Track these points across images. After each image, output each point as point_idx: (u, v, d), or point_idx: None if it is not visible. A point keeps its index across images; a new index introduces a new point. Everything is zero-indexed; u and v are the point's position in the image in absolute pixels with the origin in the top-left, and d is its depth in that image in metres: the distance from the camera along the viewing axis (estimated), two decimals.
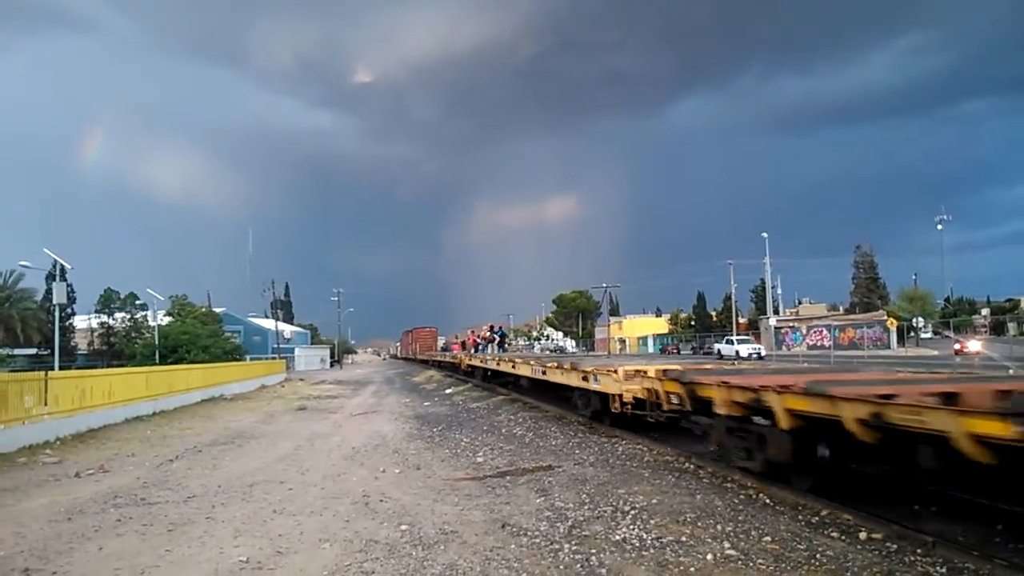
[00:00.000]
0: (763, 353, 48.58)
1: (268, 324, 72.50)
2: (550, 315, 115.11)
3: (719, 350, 51.84)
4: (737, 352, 47.18)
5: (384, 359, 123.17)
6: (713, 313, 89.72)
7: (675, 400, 9.32)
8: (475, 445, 11.79)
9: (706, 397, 8.30)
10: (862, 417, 5.67)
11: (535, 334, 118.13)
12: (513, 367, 20.07)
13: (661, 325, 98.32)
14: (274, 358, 54.17)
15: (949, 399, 5.39)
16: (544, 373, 16.15)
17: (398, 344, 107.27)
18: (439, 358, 46.17)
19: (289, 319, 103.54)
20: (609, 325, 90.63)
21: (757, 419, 7.48)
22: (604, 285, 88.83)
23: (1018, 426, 4.40)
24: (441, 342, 68.51)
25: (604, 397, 11.92)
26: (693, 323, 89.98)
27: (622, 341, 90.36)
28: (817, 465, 6.93)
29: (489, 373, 25.42)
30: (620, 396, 11.01)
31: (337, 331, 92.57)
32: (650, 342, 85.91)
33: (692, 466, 9.02)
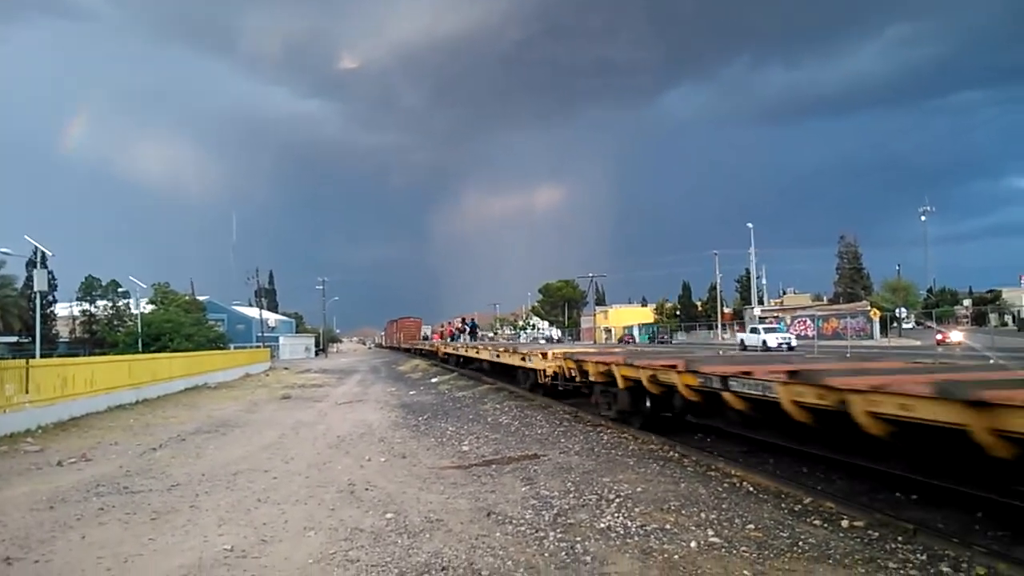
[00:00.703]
0: (794, 343, 40.84)
1: (252, 312, 71.99)
2: (536, 304, 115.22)
3: (742, 340, 44.63)
4: (764, 343, 40.35)
5: (370, 348, 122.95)
6: (698, 303, 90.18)
7: (573, 373, 12.71)
8: (461, 434, 11.80)
9: (586, 370, 11.85)
10: (649, 378, 9.18)
11: (521, 323, 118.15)
12: (477, 352, 24.40)
13: (647, 315, 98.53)
14: (258, 347, 53.87)
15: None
16: (499, 356, 20.00)
17: (383, 333, 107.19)
18: (421, 347, 49.47)
19: (274, 307, 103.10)
20: (595, 315, 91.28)
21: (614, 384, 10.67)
22: (590, 275, 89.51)
23: (700, 379, 7.93)
24: (427, 330, 68.93)
25: (535, 372, 15.29)
26: (678, 313, 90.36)
27: (608, 330, 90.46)
28: (643, 412, 10.52)
29: (461, 359, 29.07)
30: (544, 371, 14.41)
31: (322, 320, 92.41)
32: (636, 331, 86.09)
33: (676, 455, 9.08)
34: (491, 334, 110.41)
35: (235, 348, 48.50)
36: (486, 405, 16.31)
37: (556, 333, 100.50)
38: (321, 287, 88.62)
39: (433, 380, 26.25)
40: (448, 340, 39.39)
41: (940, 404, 4.72)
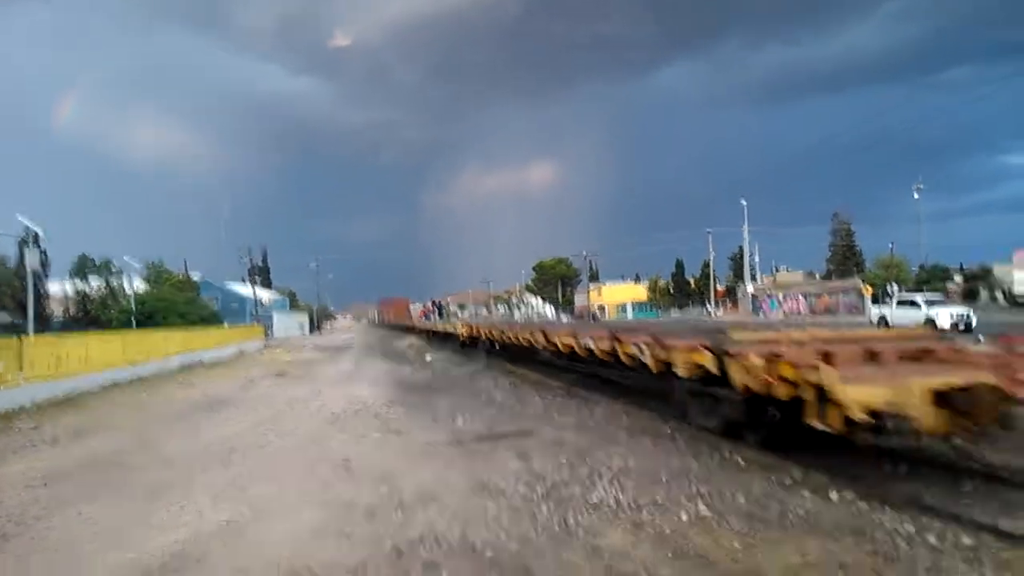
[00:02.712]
0: (974, 323, 29.04)
1: (246, 290, 71.82)
2: (530, 282, 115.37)
3: (884, 316, 32.25)
4: (932, 320, 28.94)
5: (364, 325, 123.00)
6: (691, 280, 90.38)
7: (479, 336, 21.01)
8: (455, 410, 11.82)
9: (476, 334, 18.94)
10: (563, 342, 13.05)
11: (515, 300, 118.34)
12: (440, 327, 33.91)
13: (640, 292, 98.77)
14: (252, 324, 53.86)
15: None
16: (443, 327, 32.19)
17: (377, 310, 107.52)
18: (407, 324, 55.96)
19: (267, 285, 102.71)
20: (588, 292, 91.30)
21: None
22: (584, 252, 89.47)
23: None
24: (419, 308, 70.76)
25: (454, 336, 25.91)
26: (672, 290, 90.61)
27: (601, 308, 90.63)
28: (490, 348, 17.39)
29: (431, 333, 36.65)
30: (459, 335, 24.23)
31: (316, 297, 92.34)
32: (629, 309, 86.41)
33: (669, 430, 9.14)
34: (485, 311, 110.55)
35: (229, 326, 48.48)
36: (481, 382, 16.34)
37: (550, 311, 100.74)
38: (315, 265, 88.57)
39: (427, 358, 26.28)
40: (424, 319, 49.58)
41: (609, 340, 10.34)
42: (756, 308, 60.84)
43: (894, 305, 32.69)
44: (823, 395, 5.99)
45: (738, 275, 76.42)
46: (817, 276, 79.79)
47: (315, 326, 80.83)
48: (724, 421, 8.14)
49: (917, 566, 4.41)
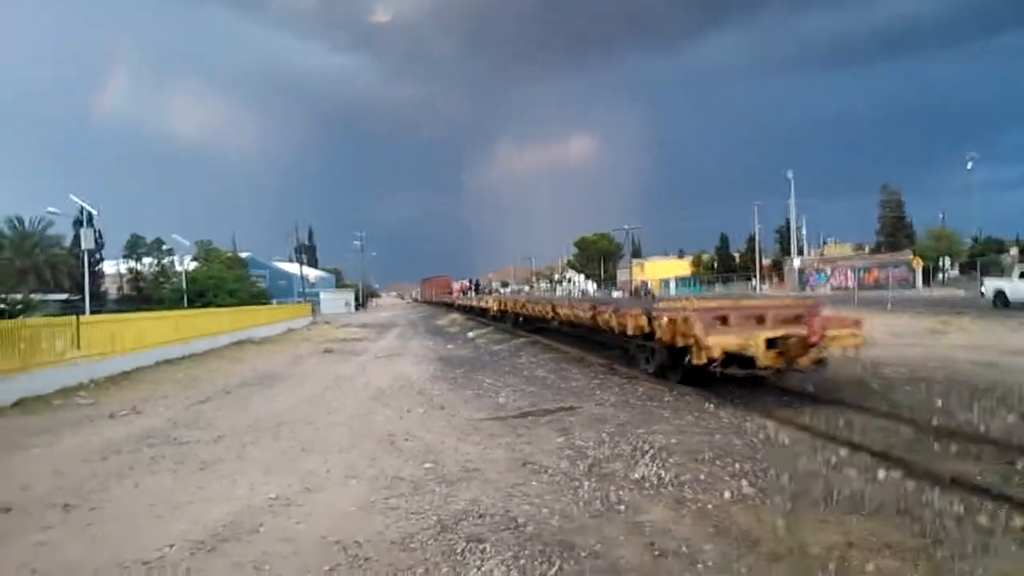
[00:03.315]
0: None
1: (293, 268, 72.96)
2: (571, 258, 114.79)
3: (1002, 290, 25.57)
4: None
5: (408, 302, 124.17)
6: (736, 255, 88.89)
7: (506, 310, 25.95)
8: (497, 386, 11.92)
9: (504, 308, 25.84)
10: (563, 313, 17.11)
11: (557, 277, 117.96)
12: (475, 302, 38.83)
13: (684, 267, 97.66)
14: (300, 302, 54.77)
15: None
16: (477, 302, 37.25)
17: (419, 288, 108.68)
18: (448, 300, 59.58)
19: (313, 263, 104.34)
20: (631, 267, 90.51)
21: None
22: (626, 227, 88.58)
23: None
24: (458, 286, 72.25)
25: (487, 311, 30.08)
26: (716, 265, 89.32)
27: (645, 283, 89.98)
28: (516, 321, 24.50)
29: (468, 308, 41.41)
30: (490, 309, 28.80)
31: (361, 275, 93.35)
32: (672, 285, 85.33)
33: (712, 406, 9.06)
34: (527, 287, 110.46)
35: (277, 303, 49.36)
36: (522, 359, 16.42)
37: (592, 287, 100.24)
38: (359, 243, 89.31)
39: (470, 334, 26.46)
40: (462, 295, 55.07)
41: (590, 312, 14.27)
42: (803, 282, 59.66)
43: (1016, 277, 26.10)
44: (698, 343, 9.34)
45: (785, 249, 74.98)
46: (867, 249, 77.88)
47: (361, 304, 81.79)
48: (658, 366, 11.49)
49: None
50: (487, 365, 15.44)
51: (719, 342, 9.11)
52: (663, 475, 5.90)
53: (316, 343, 25.33)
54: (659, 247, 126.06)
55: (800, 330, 9.14)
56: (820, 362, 9.40)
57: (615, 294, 73.35)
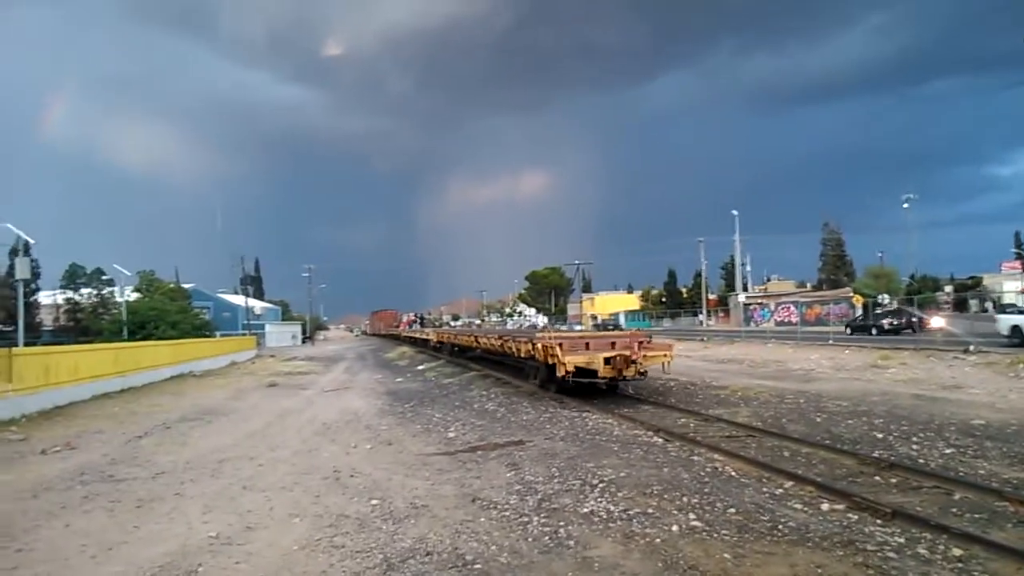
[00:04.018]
0: None
1: (238, 300, 71.46)
2: (523, 292, 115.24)
3: (1019, 326, 22.68)
4: None
5: (356, 335, 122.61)
6: (684, 290, 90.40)
7: (443, 341, 29.98)
8: (447, 420, 11.83)
9: (442, 339, 30.40)
10: (482, 341, 21.32)
11: (508, 310, 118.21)
12: (418, 334, 43.04)
13: (633, 301, 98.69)
14: (244, 334, 53.61)
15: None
16: (420, 334, 40.67)
17: (367, 322, 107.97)
18: (395, 333, 62.03)
19: (260, 295, 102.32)
20: (581, 301, 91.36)
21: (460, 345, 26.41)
22: (576, 262, 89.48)
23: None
24: (405, 319, 72.60)
25: (428, 341, 33.88)
26: (664, 299, 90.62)
27: (594, 317, 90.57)
28: (451, 351, 28.45)
29: (411, 339, 45.16)
30: (431, 340, 33.08)
31: (308, 307, 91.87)
32: (622, 318, 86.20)
33: (660, 440, 9.15)
34: (478, 321, 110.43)
35: (221, 336, 48.21)
36: (472, 392, 16.35)
37: (542, 320, 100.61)
38: (308, 275, 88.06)
39: (420, 367, 26.25)
40: (408, 328, 57.46)
41: (500, 341, 18.71)
42: (748, 317, 60.92)
43: None
44: (559, 360, 13.24)
45: (730, 285, 76.55)
46: (808, 285, 80.00)
47: (308, 337, 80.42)
48: (541, 380, 15.54)
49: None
50: (437, 399, 15.31)
51: (573, 359, 13.30)
52: (612, 509, 5.91)
53: (260, 377, 24.79)
54: (609, 282, 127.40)
55: (625, 351, 13.41)
56: (642, 374, 13.77)
57: (577, 327, 73.64)
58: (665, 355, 14.31)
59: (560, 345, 13.68)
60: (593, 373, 13.23)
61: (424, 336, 38.48)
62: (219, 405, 15.55)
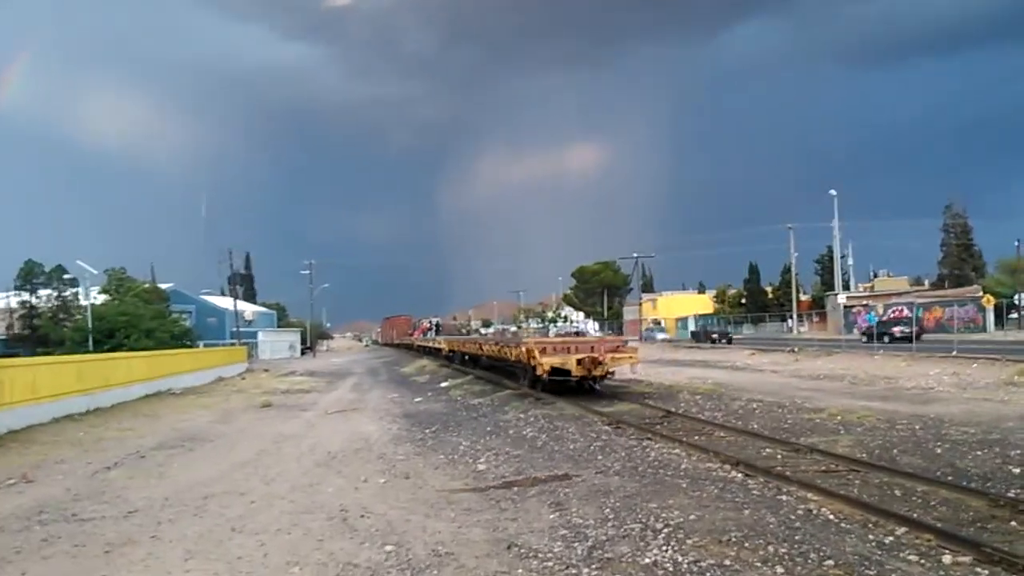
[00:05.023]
0: None
1: (225, 303, 72.61)
2: (569, 292, 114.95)
3: None
4: None
5: (366, 345, 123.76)
6: (768, 289, 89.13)
7: (455, 350, 35.36)
8: (476, 449, 11.88)
9: (453, 349, 35.81)
10: (485, 349, 27.62)
11: (551, 315, 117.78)
12: (430, 343, 48.36)
13: (705, 303, 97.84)
14: (233, 344, 54.42)
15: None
16: (432, 343, 46.98)
17: (379, 330, 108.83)
18: (408, 342, 66.29)
19: (251, 297, 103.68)
20: (641, 304, 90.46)
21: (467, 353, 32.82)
22: (635, 255, 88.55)
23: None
24: (421, 326, 73.27)
25: (440, 351, 41.08)
26: (744, 301, 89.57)
27: (657, 322, 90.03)
28: (461, 359, 33.91)
29: (424, 348, 51.30)
30: (443, 350, 39.71)
31: (309, 311, 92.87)
32: (691, 324, 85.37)
33: (740, 475, 9.07)
34: (513, 328, 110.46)
35: (205, 346, 48.99)
36: (507, 414, 16.40)
37: (593, 326, 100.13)
38: (308, 272, 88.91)
39: (443, 384, 26.42)
40: (423, 336, 60.12)
41: (498, 347, 25.44)
42: (850, 323, 59.92)
43: None
44: (537, 361, 19.00)
45: (827, 282, 75.48)
46: (927, 283, 78.57)
47: (308, 347, 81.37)
48: (529, 381, 20.62)
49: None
50: (464, 423, 15.39)
51: (549, 361, 18.88)
52: (680, 560, 5.87)
53: (252, 395, 25.16)
54: (675, 280, 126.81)
55: (593, 354, 18.82)
56: (609, 374, 20.02)
57: (659, 336, 73.25)
58: (631, 357, 20.04)
59: (539, 349, 19.56)
60: (567, 373, 18.69)
61: (436, 345, 44.39)
62: (203, 430, 15.80)
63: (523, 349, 20.45)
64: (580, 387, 19.91)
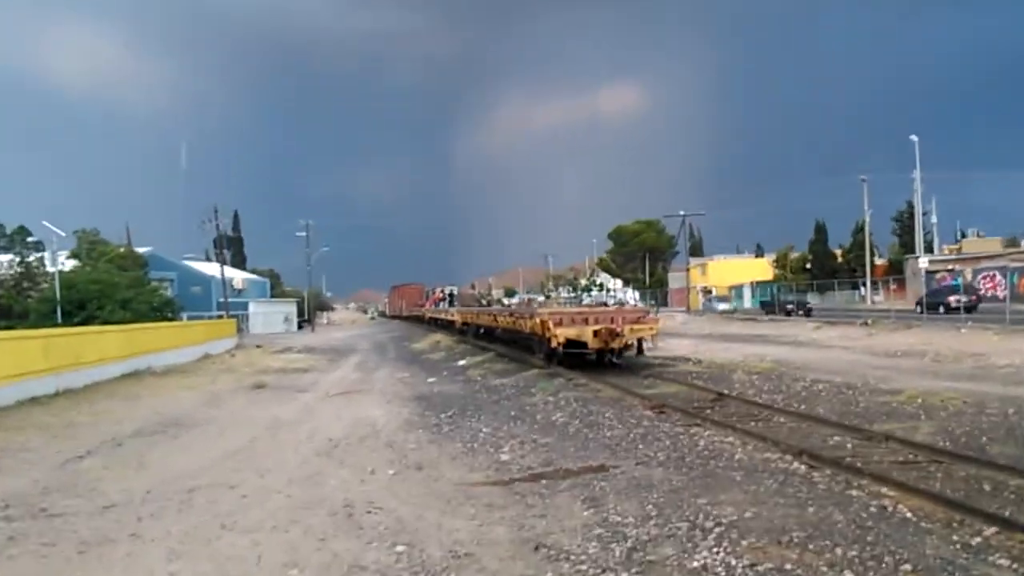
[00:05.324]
0: None
1: (212, 270, 72.99)
2: (605, 255, 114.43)
3: None
4: None
5: (372, 318, 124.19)
6: (838, 252, 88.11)
7: (468, 323, 37.75)
8: (498, 437, 11.92)
9: (467, 321, 38.12)
10: (501, 321, 29.25)
11: (584, 282, 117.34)
12: (443, 314, 50.88)
13: (763, 269, 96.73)
14: (221, 316, 54.83)
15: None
16: (446, 315, 48.89)
17: (387, 300, 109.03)
18: (419, 314, 67.66)
19: (241, 263, 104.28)
20: (688, 269, 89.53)
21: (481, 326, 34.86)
22: (682, 212, 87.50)
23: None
24: (432, 296, 73.21)
25: (453, 323, 43.27)
26: (808, 266, 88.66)
27: (707, 291, 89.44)
28: (476, 332, 35.80)
29: (436, 320, 53.80)
30: (455, 322, 41.94)
31: (307, 279, 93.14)
32: (747, 293, 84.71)
33: (803, 467, 9.06)
34: (540, 297, 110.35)
35: (189, 319, 49.33)
36: (534, 397, 16.44)
37: (633, 296, 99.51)
38: (305, 233, 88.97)
39: (460, 362, 26.53)
40: (435, 307, 61.46)
41: (512, 319, 27.39)
42: (932, 291, 59.26)
43: None
44: (552, 333, 20.68)
45: (907, 244, 74.59)
46: (1023, 244, 77.46)
47: (306, 320, 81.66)
48: (544, 354, 21.92)
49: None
50: (484, 407, 15.46)
51: (564, 332, 20.43)
52: (733, 564, 5.88)
53: (243, 374, 25.36)
54: (728, 241, 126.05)
55: (611, 325, 20.45)
56: (627, 347, 21.56)
57: (721, 306, 72.87)
58: (651, 329, 21.62)
59: (553, 320, 21.02)
60: (584, 345, 20.55)
61: (450, 318, 46.40)
62: (188, 414, 15.95)
63: (537, 320, 22.11)
64: (600, 361, 21.79)
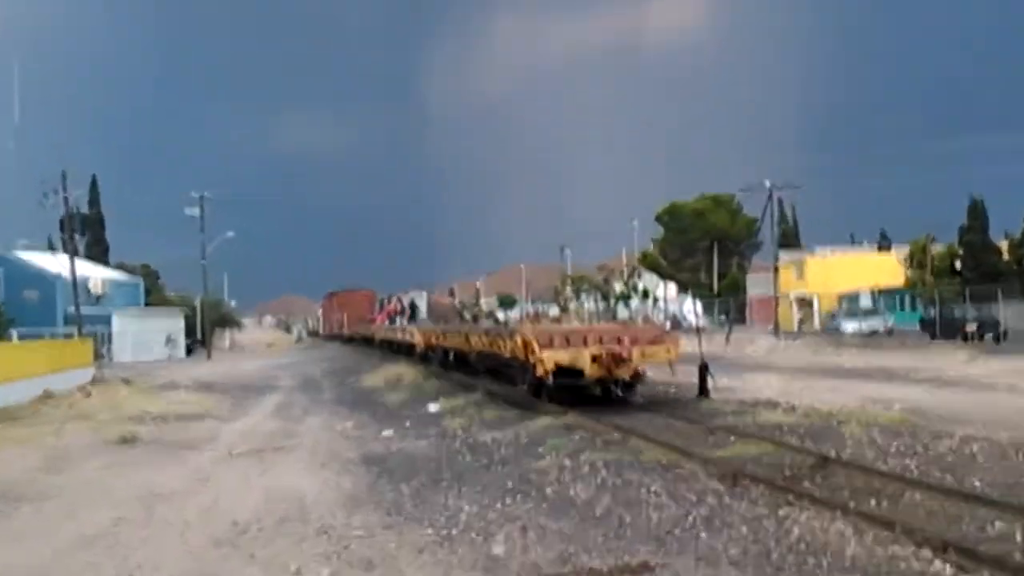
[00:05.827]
0: None
1: (57, 265, 72.81)
2: (651, 249, 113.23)
3: None
4: None
5: (299, 339, 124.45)
6: (1003, 245, 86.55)
7: (430, 346, 43.16)
8: (488, 519, 11.90)
9: (432, 343, 42.61)
10: (473, 342, 32.47)
11: (619, 288, 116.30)
12: (397, 334, 55.75)
13: (890, 267, 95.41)
14: (71, 335, 54.80)
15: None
16: (398, 334, 56.02)
17: (320, 312, 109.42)
18: (368, 333, 71.28)
19: (101, 254, 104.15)
20: (777, 269, 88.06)
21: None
22: (768, 183, 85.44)
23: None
24: (386, 308, 72.78)
25: (413, 346, 46.48)
26: (957, 265, 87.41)
27: (808, 302, 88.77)
28: (443, 360, 40.34)
29: (389, 342, 57.41)
30: (416, 344, 45.28)
31: (201, 280, 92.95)
32: (863, 301, 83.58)
33: (948, 567, 9.04)
34: (553, 308, 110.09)
35: (21, 338, 49.33)
36: (542, 460, 16.36)
37: (693, 307, 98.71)
38: (198, 210, 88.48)
39: (431, 407, 26.52)
40: (387, 324, 66.49)
41: (489, 339, 30.20)
42: None
43: None
44: (537, 357, 22.76)
45: None
46: None
47: (198, 340, 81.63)
48: (529, 386, 24.55)
49: None
50: (467, 474, 15.42)
51: (553, 356, 21.57)
52: None
53: (103, 423, 25.29)
54: (837, 228, 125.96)
55: (616, 347, 21.56)
56: (637, 376, 23.21)
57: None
58: (668, 351, 24.01)
59: (539, 340, 22.16)
60: (579, 374, 22.03)
61: (407, 339, 50.24)
62: (19, 482, 15.94)
63: (518, 340, 23.51)
64: (607, 395, 23.57)
